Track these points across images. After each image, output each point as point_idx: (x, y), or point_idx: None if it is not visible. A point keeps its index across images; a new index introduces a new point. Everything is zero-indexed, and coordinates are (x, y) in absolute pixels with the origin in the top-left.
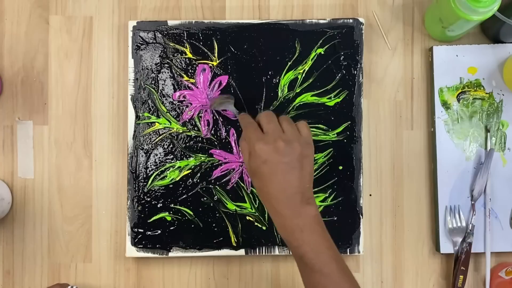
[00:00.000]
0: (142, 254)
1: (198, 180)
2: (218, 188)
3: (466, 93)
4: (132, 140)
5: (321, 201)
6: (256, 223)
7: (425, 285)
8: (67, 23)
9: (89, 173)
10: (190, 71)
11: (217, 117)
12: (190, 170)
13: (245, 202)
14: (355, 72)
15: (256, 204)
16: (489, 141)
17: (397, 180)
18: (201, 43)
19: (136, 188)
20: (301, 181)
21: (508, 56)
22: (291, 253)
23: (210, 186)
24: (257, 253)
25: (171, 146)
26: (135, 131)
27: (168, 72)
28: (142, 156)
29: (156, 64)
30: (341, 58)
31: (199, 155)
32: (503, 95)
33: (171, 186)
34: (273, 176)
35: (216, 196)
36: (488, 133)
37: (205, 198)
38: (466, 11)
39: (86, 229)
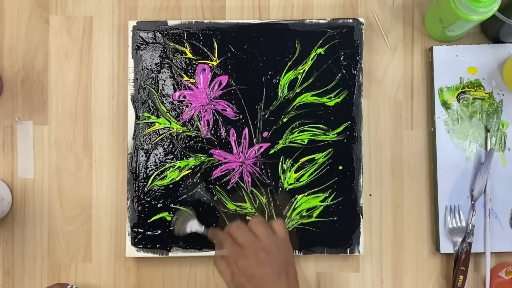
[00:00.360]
0: (142, 254)
1: (198, 180)
2: (218, 188)
3: (466, 93)
4: (132, 140)
5: (321, 201)
6: None
7: (425, 285)
8: (67, 23)
9: (89, 173)
10: (190, 71)
11: (217, 117)
12: (190, 170)
13: (245, 202)
14: (355, 72)
15: (256, 204)
16: (489, 141)
17: (397, 180)
18: (201, 43)
19: (136, 188)
20: (290, 287)
21: (508, 56)
22: None
23: (210, 186)
24: None
25: (171, 146)
26: (135, 131)
27: (168, 72)
28: (142, 156)
29: (156, 64)
30: (341, 58)
31: (199, 155)
32: (503, 95)
33: (171, 186)
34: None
35: (216, 196)
36: (488, 133)
37: (205, 198)
38: (466, 11)
39: (86, 229)
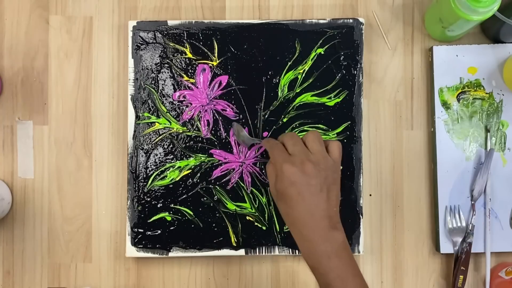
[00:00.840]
0: (142, 254)
1: (198, 180)
2: (218, 188)
3: (466, 93)
4: (132, 140)
5: None
6: (256, 223)
7: (425, 285)
8: (67, 23)
9: (89, 173)
10: (190, 71)
11: (217, 117)
12: (190, 170)
13: (245, 202)
14: (355, 72)
15: (256, 204)
16: (489, 141)
17: (397, 180)
18: (201, 43)
19: (136, 188)
20: (329, 205)
21: (508, 56)
22: (316, 279)
23: (210, 186)
24: (257, 253)
25: (171, 146)
26: (135, 131)
27: (168, 72)
28: (142, 156)
29: (156, 64)
30: (341, 58)
31: (199, 155)
32: (503, 95)
33: (171, 186)
34: (301, 199)
35: (216, 196)
36: (488, 133)
37: (205, 198)
38: (466, 11)
39: (86, 229)
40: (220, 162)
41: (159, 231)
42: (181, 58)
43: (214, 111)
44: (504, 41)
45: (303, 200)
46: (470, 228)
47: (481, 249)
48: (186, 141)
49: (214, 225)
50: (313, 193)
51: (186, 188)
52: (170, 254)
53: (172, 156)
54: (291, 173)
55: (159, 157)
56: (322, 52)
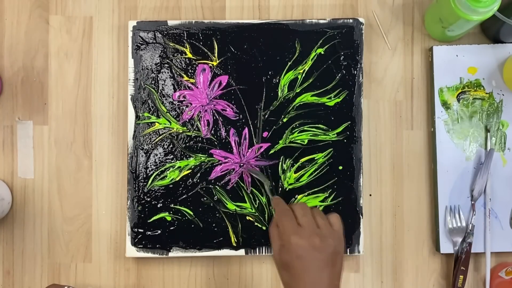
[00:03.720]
0: (142, 254)
1: (198, 180)
2: (218, 188)
3: (466, 93)
4: (132, 140)
5: (321, 201)
6: (256, 223)
7: (425, 285)
8: (67, 23)
9: (89, 173)
10: (190, 71)
11: (217, 117)
12: (190, 170)
13: (245, 202)
14: (355, 72)
15: (256, 204)
16: (489, 141)
17: (397, 180)
18: (201, 43)
19: (136, 188)
20: (332, 279)
21: (508, 56)
22: None
23: (210, 186)
24: (257, 253)
25: (171, 146)
26: (135, 131)
27: (168, 72)
28: (142, 156)
29: (156, 64)
30: (341, 58)
31: (199, 155)
32: (503, 95)
33: (171, 186)
34: (306, 273)
35: (216, 196)
36: (488, 133)
37: (205, 198)
38: (466, 11)
39: (86, 229)
40: (220, 162)
41: (159, 231)
42: (181, 58)
43: (214, 111)
44: (504, 41)
45: (308, 275)
46: (470, 228)
47: (481, 249)
48: (186, 141)
49: (214, 225)
50: (319, 268)
51: (186, 188)
52: (170, 254)
53: (172, 156)
54: (299, 246)
55: (159, 157)
56: (322, 52)
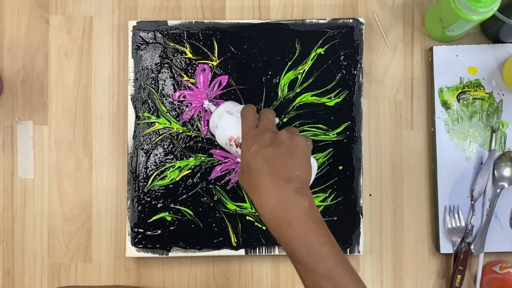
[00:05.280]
0: (142, 254)
1: (198, 180)
2: (218, 188)
3: (466, 93)
4: (132, 140)
5: (321, 201)
6: (256, 223)
7: (425, 285)
8: (67, 23)
9: (89, 173)
10: (190, 71)
11: None
12: (190, 170)
13: (245, 202)
14: (355, 72)
15: None
16: (493, 142)
17: (397, 180)
18: (201, 43)
19: (136, 188)
20: (289, 167)
21: (508, 56)
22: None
23: (210, 186)
24: (257, 253)
25: (171, 146)
26: (135, 131)
27: (168, 72)
28: (142, 156)
29: (156, 64)
30: (341, 58)
31: (199, 155)
32: (503, 95)
33: (171, 186)
34: (262, 166)
35: (216, 196)
36: (494, 134)
37: (205, 198)
38: (466, 11)
39: (86, 229)
40: (220, 162)
41: (159, 231)
42: (181, 58)
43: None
44: (504, 41)
45: (263, 167)
46: (469, 228)
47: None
48: (186, 141)
49: (214, 225)
50: (274, 157)
51: (186, 188)
52: (170, 254)
53: (172, 156)
54: (253, 141)
55: (159, 157)
56: (322, 52)
